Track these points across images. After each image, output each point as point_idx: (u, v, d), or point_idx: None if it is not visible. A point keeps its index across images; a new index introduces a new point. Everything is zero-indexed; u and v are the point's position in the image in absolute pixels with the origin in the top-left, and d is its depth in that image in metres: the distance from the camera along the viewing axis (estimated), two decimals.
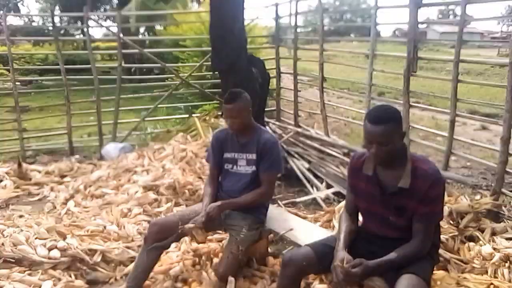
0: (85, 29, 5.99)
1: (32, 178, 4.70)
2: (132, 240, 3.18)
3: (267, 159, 2.54)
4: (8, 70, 13.21)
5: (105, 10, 19.46)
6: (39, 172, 4.93)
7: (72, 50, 19.29)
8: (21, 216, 3.47)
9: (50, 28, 6.01)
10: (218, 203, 2.47)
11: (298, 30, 6.11)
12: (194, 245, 2.88)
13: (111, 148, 5.48)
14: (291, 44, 6.23)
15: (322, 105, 5.50)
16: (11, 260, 2.49)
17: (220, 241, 2.99)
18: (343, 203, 2.73)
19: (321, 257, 1.92)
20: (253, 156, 2.58)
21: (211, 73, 7.26)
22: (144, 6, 11.77)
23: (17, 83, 5.97)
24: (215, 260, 2.74)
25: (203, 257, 2.76)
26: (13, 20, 21.09)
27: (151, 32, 12.40)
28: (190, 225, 2.36)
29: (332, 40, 11.03)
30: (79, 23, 17.49)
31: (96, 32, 72.96)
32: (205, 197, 2.65)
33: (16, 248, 2.61)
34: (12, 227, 3.01)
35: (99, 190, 4.22)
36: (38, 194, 4.33)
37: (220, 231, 2.86)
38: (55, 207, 3.96)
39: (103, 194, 4.11)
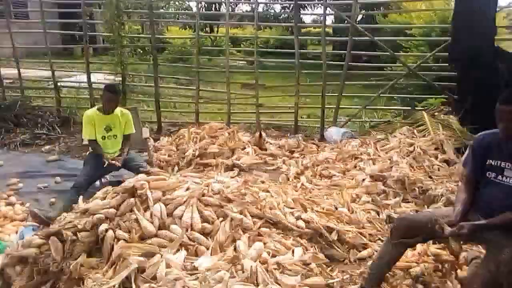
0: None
1: (267, 149, 5.35)
2: (363, 227, 3.27)
3: None
4: (238, 51, 15.52)
5: None
6: (271, 144, 5.58)
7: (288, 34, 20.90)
8: (262, 182, 4.02)
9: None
10: (472, 225, 2.25)
11: None
12: (433, 249, 2.77)
13: (334, 132, 5.74)
14: None
15: None
16: (270, 221, 2.88)
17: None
18: None
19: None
20: None
21: (437, 65, 6.73)
22: None
23: (242, 62, 6.77)
24: (460, 272, 2.56)
25: (446, 265, 2.61)
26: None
27: (371, 20, 12.28)
28: (447, 229, 2.24)
29: None
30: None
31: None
32: (457, 204, 2.46)
33: (271, 211, 3.00)
34: (263, 191, 3.49)
35: (327, 170, 4.48)
36: (273, 165, 4.90)
37: (478, 244, 2.62)
38: (288, 179, 4.42)
39: (330, 175, 4.36)
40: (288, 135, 6.26)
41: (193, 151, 4.77)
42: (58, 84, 6.67)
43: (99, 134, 3.96)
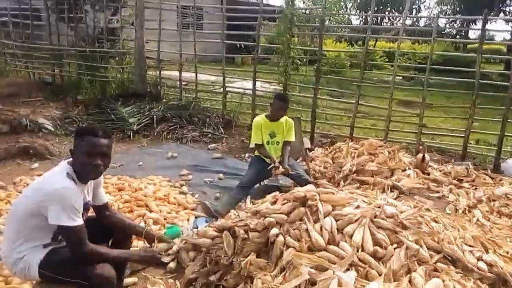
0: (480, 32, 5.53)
1: (430, 174, 4.87)
2: None
3: None
4: (391, 65, 14.77)
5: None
6: (434, 169, 5.06)
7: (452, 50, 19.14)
8: (427, 210, 3.63)
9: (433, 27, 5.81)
10: None
11: None
12: None
13: None
14: None
15: None
16: (448, 257, 2.55)
17: None
18: None
19: None
20: None
21: None
22: None
23: (398, 78, 6.26)
24: None
25: None
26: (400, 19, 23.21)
27: None
28: None
29: None
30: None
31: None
32: None
33: (449, 246, 2.66)
34: (433, 221, 3.14)
35: (507, 208, 3.85)
36: (437, 192, 4.42)
37: None
38: (456, 211, 3.93)
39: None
40: (453, 160, 5.61)
41: (351, 166, 4.63)
42: (226, 89, 7.30)
43: (265, 140, 4.15)
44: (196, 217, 3.78)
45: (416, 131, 6.05)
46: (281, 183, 4.62)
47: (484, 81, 5.67)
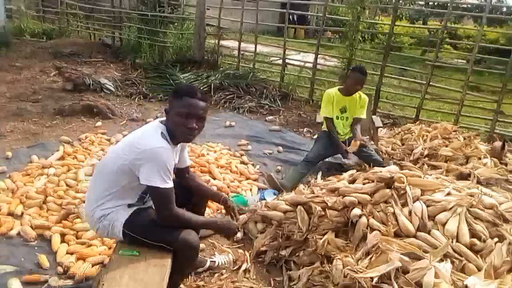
0: None
1: (507, 164, 4.47)
2: None
3: None
4: (454, 47, 13.74)
5: None
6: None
7: None
8: None
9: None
10: None
11: None
12: None
13: None
14: None
15: None
16: None
17: None
18: None
19: None
20: None
21: None
22: None
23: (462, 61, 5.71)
24: None
25: None
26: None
27: None
28: None
29: None
30: None
31: None
32: None
33: None
34: None
35: None
36: None
37: None
38: None
39: None
40: None
41: (422, 149, 4.32)
42: (286, 61, 7.05)
43: (334, 114, 3.93)
44: (259, 189, 3.67)
45: (492, 118, 5.57)
46: (344, 161, 4.38)
47: None
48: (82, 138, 4.44)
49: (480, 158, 4.42)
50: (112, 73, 7.15)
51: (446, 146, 4.41)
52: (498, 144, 4.57)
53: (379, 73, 6.14)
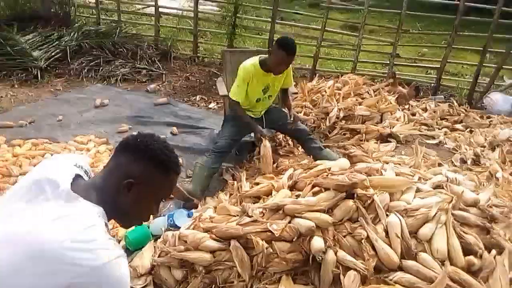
0: None
1: (415, 114, 4.31)
2: None
3: None
4: None
5: None
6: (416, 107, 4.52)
7: None
8: (439, 165, 3.07)
9: None
10: None
11: None
12: None
13: (500, 100, 4.54)
14: None
15: None
16: None
17: None
18: None
19: None
20: None
21: None
22: None
23: None
24: None
25: None
26: None
27: None
28: None
29: None
30: None
31: None
32: None
33: None
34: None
35: None
36: (433, 138, 3.86)
37: None
38: (465, 162, 3.42)
39: None
40: (429, 95, 5.11)
41: (337, 111, 3.81)
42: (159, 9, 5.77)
43: (255, 95, 3.00)
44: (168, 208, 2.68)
45: (388, 62, 5.36)
46: (252, 136, 3.60)
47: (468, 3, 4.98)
48: None
49: (392, 113, 4.14)
50: None
51: (360, 104, 3.99)
52: (410, 91, 4.43)
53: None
